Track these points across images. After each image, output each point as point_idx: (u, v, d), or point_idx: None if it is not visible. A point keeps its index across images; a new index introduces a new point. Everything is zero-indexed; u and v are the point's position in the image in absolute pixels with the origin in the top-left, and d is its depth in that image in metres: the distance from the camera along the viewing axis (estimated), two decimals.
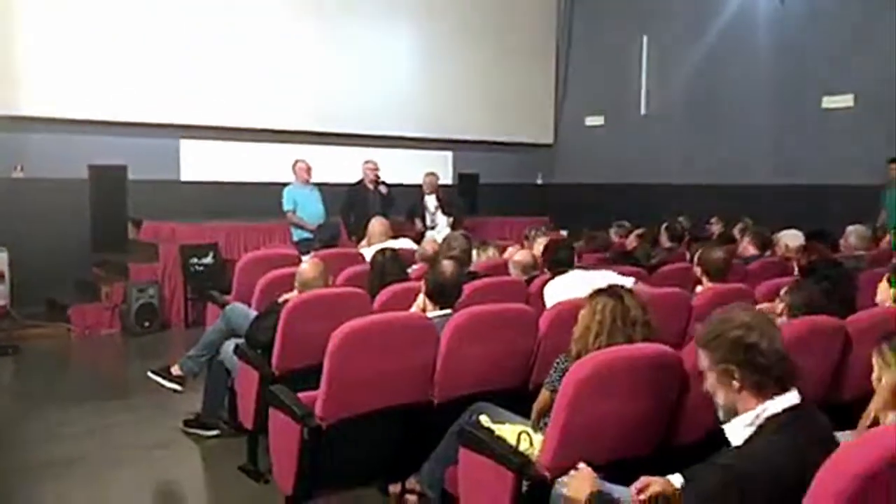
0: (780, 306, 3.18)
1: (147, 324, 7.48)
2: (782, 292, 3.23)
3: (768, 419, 1.89)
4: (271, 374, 3.69)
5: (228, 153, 9.53)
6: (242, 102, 9.31)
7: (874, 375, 2.13)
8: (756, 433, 1.89)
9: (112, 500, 3.85)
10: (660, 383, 2.51)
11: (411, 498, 3.18)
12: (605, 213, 9.22)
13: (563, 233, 7.98)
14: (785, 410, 1.89)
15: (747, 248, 5.73)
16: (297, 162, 8.53)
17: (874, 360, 2.14)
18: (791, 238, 6.03)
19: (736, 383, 1.93)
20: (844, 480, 1.55)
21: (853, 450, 1.64)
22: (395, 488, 3.21)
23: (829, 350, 2.94)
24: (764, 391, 1.91)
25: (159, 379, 4.68)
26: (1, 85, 7.81)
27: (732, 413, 1.97)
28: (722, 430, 1.99)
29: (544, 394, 2.74)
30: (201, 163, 9.33)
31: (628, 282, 3.85)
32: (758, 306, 3.48)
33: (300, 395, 3.22)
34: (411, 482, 3.16)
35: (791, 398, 1.91)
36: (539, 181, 12.81)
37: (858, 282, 4.30)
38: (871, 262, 5.65)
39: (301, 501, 3.22)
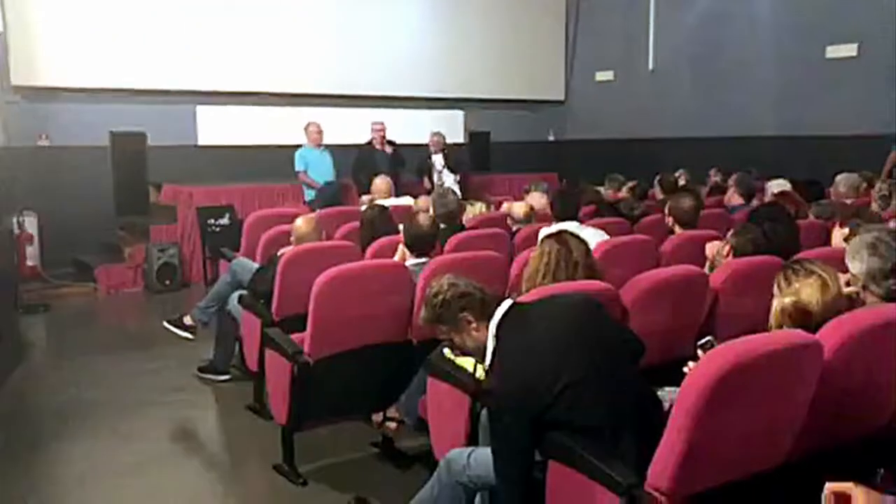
0: (725, 248, 3.45)
1: (168, 282, 7.90)
2: (729, 235, 3.49)
3: (498, 328, 2.38)
4: (271, 320, 4.04)
5: (243, 118, 9.84)
6: (255, 67, 9.60)
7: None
8: (496, 346, 2.39)
9: (134, 435, 4.25)
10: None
11: (391, 425, 3.53)
12: (614, 168, 9.35)
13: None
14: (504, 314, 2.41)
15: (733, 197, 5.93)
16: (308, 124, 8.85)
17: (774, 286, 2.43)
18: (777, 187, 6.24)
19: (473, 323, 2.45)
20: (706, 377, 1.87)
21: (728, 349, 1.96)
22: (377, 417, 3.56)
23: (767, 288, 3.20)
24: (482, 319, 2.45)
25: (173, 328, 5.09)
26: (24, 57, 8.21)
27: (483, 350, 2.45)
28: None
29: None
30: (217, 127, 9.66)
31: (600, 236, 4.15)
32: (707, 245, 3.76)
33: (294, 336, 3.58)
34: (391, 411, 3.50)
35: (505, 304, 2.42)
36: (551, 138, 12.97)
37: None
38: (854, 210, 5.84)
39: (294, 430, 3.61)
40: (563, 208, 4.77)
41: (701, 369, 1.93)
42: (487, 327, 2.43)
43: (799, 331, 2.18)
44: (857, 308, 2.51)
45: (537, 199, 5.86)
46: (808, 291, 2.36)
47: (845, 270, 2.73)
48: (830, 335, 2.19)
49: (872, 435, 2.37)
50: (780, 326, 2.35)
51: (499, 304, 2.46)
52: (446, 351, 3.09)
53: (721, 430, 1.96)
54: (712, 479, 2.03)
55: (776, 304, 2.38)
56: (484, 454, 2.49)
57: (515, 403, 2.25)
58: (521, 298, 2.69)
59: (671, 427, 1.95)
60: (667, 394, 2.41)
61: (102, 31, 8.62)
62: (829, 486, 1.73)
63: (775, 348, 2.02)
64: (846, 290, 2.66)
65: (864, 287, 2.67)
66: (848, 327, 2.22)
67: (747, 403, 1.99)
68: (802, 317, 2.34)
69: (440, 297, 2.51)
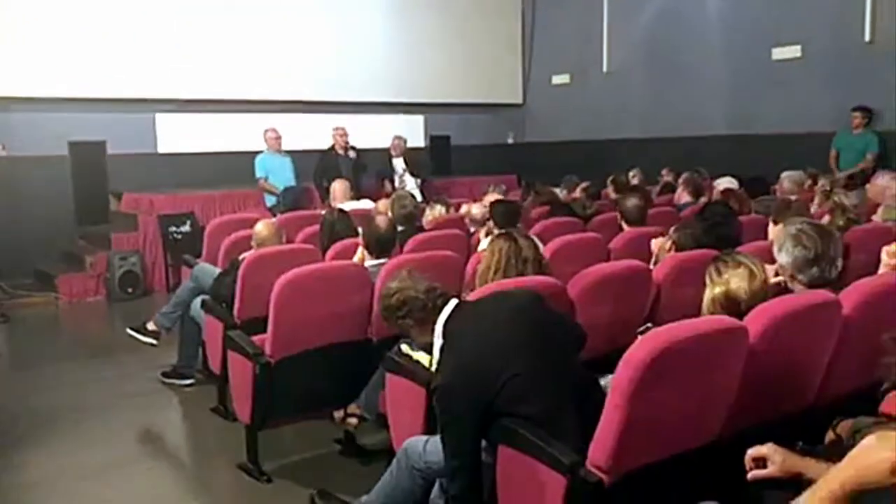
0: (668, 242, 3.63)
1: (130, 290, 7.91)
2: (671, 230, 3.67)
3: (445, 326, 2.58)
4: (233, 322, 4.13)
5: (202, 125, 9.87)
6: (214, 75, 9.63)
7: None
8: (443, 343, 2.57)
9: (99, 439, 4.31)
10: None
11: (352, 421, 3.64)
12: (572, 169, 9.54)
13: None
14: (450, 314, 2.61)
15: (682, 195, 6.15)
16: (267, 131, 8.91)
17: (706, 277, 2.60)
18: (724, 185, 6.47)
19: (416, 328, 2.70)
20: (637, 359, 2.03)
21: (659, 332, 2.12)
22: (339, 414, 3.67)
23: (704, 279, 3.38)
24: (427, 322, 2.65)
25: (136, 334, 5.15)
26: None
27: (431, 348, 2.65)
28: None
29: None
30: (177, 135, 9.69)
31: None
32: (652, 241, 3.94)
33: (255, 338, 3.68)
34: (352, 407, 3.62)
35: (451, 304, 2.64)
36: (510, 140, 13.17)
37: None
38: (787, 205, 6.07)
39: (258, 429, 3.71)
40: (503, 220, 4.86)
41: (634, 351, 2.08)
42: (432, 330, 2.62)
43: (725, 316, 2.35)
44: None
45: (477, 207, 5.83)
46: (736, 281, 2.53)
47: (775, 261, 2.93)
48: (756, 320, 2.36)
49: (798, 414, 2.55)
50: (711, 314, 2.51)
51: (444, 305, 2.62)
52: (404, 346, 3.22)
53: (654, 407, 2.11)
54: (648, 455, 2.19)
55: (707, 293, 2.55)
56: (439, 442, 2.64)
57: (464, 395, 2.39)
58: (468, 296, 2.83)
59: (608, 406, 2.10)
60: (610, 381, 2.57)
61: (59, 39, 8.59)
62: (750, 452, 1.90)
63: (703, 332, 2.18)
64: (774, 279, 2.84)
65: (792, 276, 2.86)
66: (772, 313, 2.39)
67: (678, 383, 2.14)
68: (732, 305, 2.51)
69: (385, 301, 2.74)
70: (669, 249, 3.58)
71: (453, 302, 2.61)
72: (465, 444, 2.43)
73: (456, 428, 2.43)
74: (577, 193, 6.79)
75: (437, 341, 2.58)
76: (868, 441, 1.45)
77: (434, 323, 2.60)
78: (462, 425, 2.41)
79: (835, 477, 1.45)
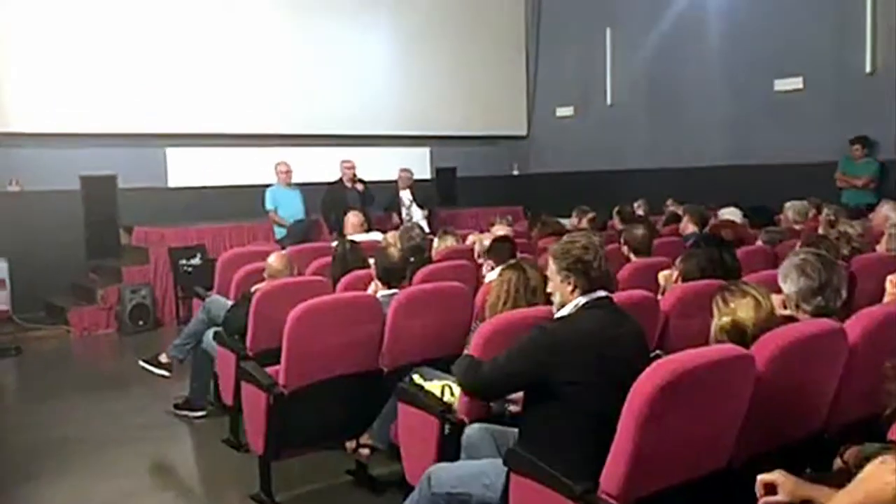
0: (675, 273, 3.68)
1: (141, 323, 7.98)
2: (677, 261, 3.73)
3: (581, 306, 2.59)
4: (245, 354, 4.18)
5: (213, 159, 10.00)
6: (224, 110, 9.77)
7: None
8: (570, 314, 2.60)
9: (112, 471, 4.34)
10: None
11: (364, 451, 3.68)
12: (577, 200, 9.58)
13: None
14: (593, 299, 2.59)
15: (687, 226, 6.21)
16: (278, 164, 9.06)
17: (713, 307, 2.66)
18: (729, 215, 6.53)
19: (570, 286, 2.62)
20: (649, 388, 2.08)
21: (669, 361, 2.18)
22: (351, 444, 3.71)
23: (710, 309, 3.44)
24: (585, 291, 2.61)
25: (149, 366, 5.20)
26: None
27: (562, 306, 2.66)
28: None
29: (465, 355, 3.24)
30: (187, 169, 9.81)
31: None
32: (660, 274, 4.00)
33: (269, 369, 3.73)
34: (364, 438, 3.66)
35: (597, 294, 2.61)
36: (515, 172, 13.28)
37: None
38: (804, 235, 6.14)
39: (271, 460, 3.74)
40: (500, 255, 4.85)
41: (645, 379, 2.13)
42: (571, 295, 2.62)
43: (733, 345, 2.40)
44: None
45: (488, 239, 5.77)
46: (742, 311, 2.59)
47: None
48: (762, 349, 2.41)
49: (806, 441, 2.59)
50: (719, 343, 2.56)
51: (597, 290, 2.63)
52: (416, 377, 3.28)
53: (665, 434, 2.15)
54: (659, 482, 2.22)
55: (715, 322, 2.60)
56: (464, 468, 2.71)
57: (539, 354, 2.48)
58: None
59: (620, 433, 2.14)
60: None
61: (71, 76, 8.76)
62: (760, 478, 1.95)
63: (711, 360, 2.24)
64: (782, 311, 2.89)
65: (797, 306, 2.91)
66: (778, 341, 2.44)
67: (687, 410, 2.19)
68: (738, 334, 2.56)
69: (567, 245, 2.68)
70: (676, 280, 3.63)
71: (601, 293, 2.62)
72: (500, 381, 2.63)
73: (509, 366, 2.56)
74: (584, 224, 6.85)
75: (563, 310, 2.63)
76: (875, 465, 1.50)
77: (577, 294, 2.61)
78: (514, 369, 2.55)
79: (842, 501, 1.49)
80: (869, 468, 1.50)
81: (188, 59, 9.55)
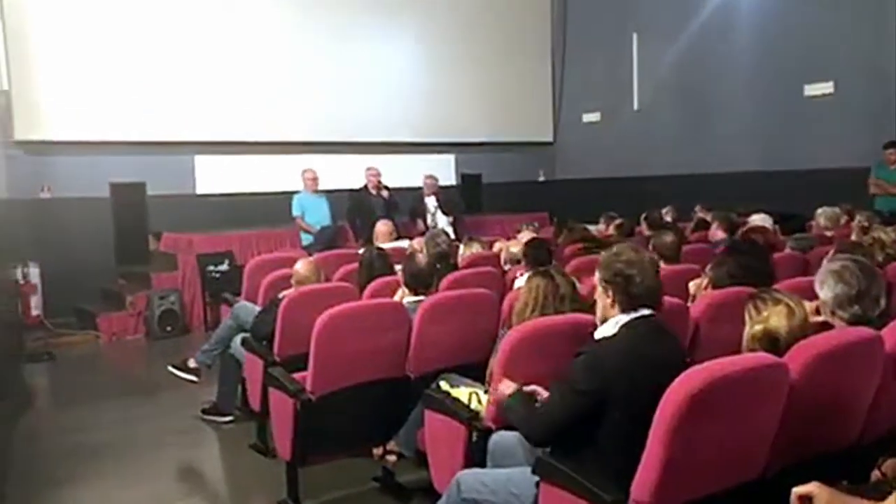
0: (704, 280, 3.64)
1: (169, 328, 8.05)
2: (707, 268, 3.69)
3: (622, 325, 2.51)
4: (273, 360, 4.20)
5: (240, 166, 10.08)
6: (251, 117, 9.86)
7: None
8: (614, 334, 2.52)
9: (141, 476, 4.38)
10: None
11: (392, 458, 3.68)
12: (603, 206, 9.55)
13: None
14: (634, 318, 2.51)
15: (716, 232, 6.14)
16: (305, 171, 9.14)
17: (745, 315, 2.61)
18: (759, 222, 6.45)
19: (609, 299, 2.55)
20: (681, 395, 2.05)
21: (701, 369, 2.15)
22: (378, 451, 3.70)
23: (741, 316, 3.38)
24: (625, 309, 2.52)
25: (177, 371, 5.25)
26: (26, 112, 8.46)
27: (603, 320, 2.60)
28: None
29: (492, 362, 3.22)
30: (215, 176, 9.89)
31: None
32: (690, 283, 3.95)
33: (296, 375, 3.74)
34: (391, 444, 3.65)
35: (641, 312, 2.52)
36: (541, 178, 13.24)
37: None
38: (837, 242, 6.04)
39: (298, 466, 3.75)
40: (538, 258, 4.80)
41: (677, 387, 2.10)
42: (613, 311, 2.54)
43: (765, 354, 2.36)
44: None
45: (515, 245, 5.80)
46: (775, 319, 2.54)
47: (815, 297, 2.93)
48: (796, 357, 2.37)
49: (842, 452, 2.54)
50: (751, 351, 2.52)
51: (638, 308, 2.54)
52: (443, 384, 3.27)
53: (697, 443, 2.12)
54: (690, 492, 2.18)
55: (747, 330, 2.56)
56: (492, 475, 2.70)
57: (597, 377, 2.38)
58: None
59: (651, 442, 2.11)
60: None
61: (102, 85, 8.90)
62: (795, 490, 1.90)
63: (743, 368, 2.20)
64: (816, 318, 2.84)
65: (833, 312, 2.86)
66: (813, 350, 2.39)
67: (719, 419, 2.15)
68: (771, 342, 2.52)
69: (612, 258, 2.59)
70: (705, 287, 3.59)
71: (645, 311, 2.53)
72: (562, 422, 2.45)
73: (565, 407, 2.44)
74: (611, 230, 6.81)
75: (608, 328, 2.55)
76: None
77: (617, 311, 2.54)
78: (571, 408, 2.43)
79: None
80: None
81: (216, 68, 9.66)
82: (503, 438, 2.83)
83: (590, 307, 3.22)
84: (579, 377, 2.40)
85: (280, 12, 10.23)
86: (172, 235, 9.02)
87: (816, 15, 9.59)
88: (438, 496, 2.88)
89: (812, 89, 9.65)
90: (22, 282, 7.83)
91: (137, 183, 8.93)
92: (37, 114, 8.54)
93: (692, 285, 3.88)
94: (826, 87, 9.51)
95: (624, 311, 2.53)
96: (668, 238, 4.68)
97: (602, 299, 2.59)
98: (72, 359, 7.40)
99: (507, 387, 2.73)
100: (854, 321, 2.75)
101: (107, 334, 8.02)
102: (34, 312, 8.00)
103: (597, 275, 2.63)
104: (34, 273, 8.07)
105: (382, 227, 7.12)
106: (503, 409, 2.74)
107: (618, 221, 6.99)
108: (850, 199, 8.13)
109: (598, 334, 2.59)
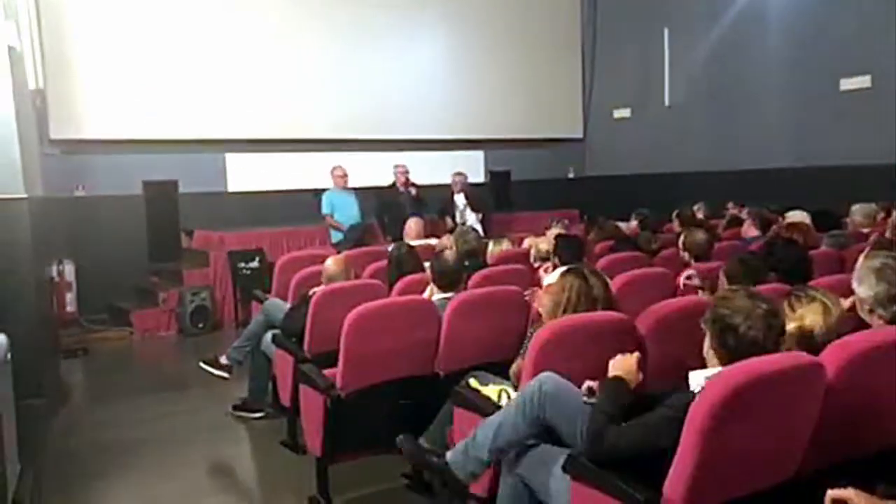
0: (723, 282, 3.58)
1: (201, 325, 8.14)
2: (721, 270, 3.64)
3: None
4: (303, 357, 4.22)
5: (271, 164, 10.15)
6: (281, 115, 9.92)
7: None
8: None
9: (173, 471, 4.44)
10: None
11: None
12: (634, 203, 9.45)
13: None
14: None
15: (749, 229, 6.06)
16: (334, 168, 9.17)
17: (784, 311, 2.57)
18: (797, 218, 6.35)
19: (707, 344, 2.38)
20: (715, 395, 2.03)
21: (735, 368, 2.12)
22: None
23: None
24: (723, 361, 2.32)
25: (209, 368, 5.29)
26: (61, 112, 8.59)
27: (703, 364, 2.41)
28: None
29: (519, 361, 3.20)
30: (245, 174, 9.99)
31: None
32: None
33: (327, 371, 3.75)
34: (421, 441, 3.64)
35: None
36: (570, 175, 13.16)
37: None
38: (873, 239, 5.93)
39: (328, 462, 3.76)
40: (569, 253, 4.76)
41: (711, 386, 2.07)
42: (717, 362, 2.35)
43: (801, 353, 2.32)
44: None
45: (544, 242, 5.75)
46: (811, 317, 2.50)
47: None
48: (833, 356, 2.32)
49: (880, 453, 2.48)
50: (787, 350, 2.48)
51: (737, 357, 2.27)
52: (472, 381, 3.26)
53: (730, 444, 2.09)
54: (723, 493, 2.16)
55: (789, 325, 2.51)
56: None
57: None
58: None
59: (684, 443, 2.08)
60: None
61: (135, 84, 9.01)
62: (830, 494, 1.86)
63: (779, 369, 2.16)
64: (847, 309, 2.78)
65: (871, 311, 2.80)
66: (850, 349, 2.35)
67: (754, 419, 2.12)
68: (807, 340, 2.48)
69: (720, 311, 2.36)
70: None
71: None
72: (640, 445, 2.29)
73: (650, 439, 2.27)
74: (634, 226, 6.75)
75: (698, 378, 2.32)
76: None
77: (715, 361, 2.36)
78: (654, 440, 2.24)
79: None
80: None
81: (247, 66, 9.73)
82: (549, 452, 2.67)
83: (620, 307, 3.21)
84: (663, 432, 2.21)
85: (309, 9, 10.27)
86: (204, 233, 9.11)
87: (852, 5, 9.40)
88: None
89: (848, 83, 9.46)
90: (57, 279, 7.94)
91: (170, 181, 9.03)
92: (71, 112, 8.67)
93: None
94: (863, 81, 9.32)
95: (722, 363, 2.31)
96: (699, 235, 4.63)
97: (706, 339, 2.39)
98: (105, 355, 7.51)
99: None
100: (894, 320, 2.69)
101: (140, 331, 8.12)
102: (69, 309, 8.12)
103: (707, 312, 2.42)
104: (69, 270, 8.19)
105: (413, 224, 7.11)
106: (600, 389, 2.51)
107: (641, 216, 6.93)
108: (887, 195, 7.98)
109: (693, 380, 2.34)
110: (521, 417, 2.66)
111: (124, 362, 7.44)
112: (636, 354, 2.59)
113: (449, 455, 2.91)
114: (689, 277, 3.81)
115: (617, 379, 2.51)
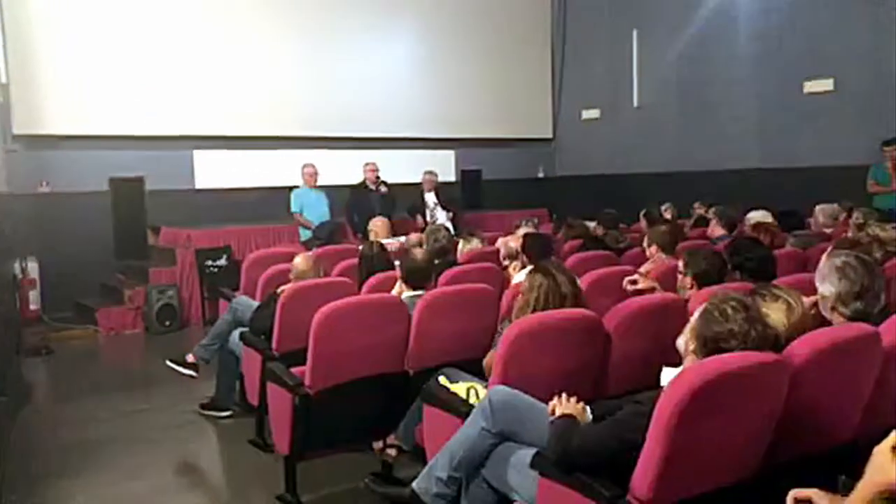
0: (687, 281, 3.62)
1: (167, 323, 8.05)
2: (680, 265, 3.68)
3: None
4: (271, 355, 4.19)
5: (239, 161, 10.05)
6: (250, 112, 9.82)
7: None
8: None
9: (140, 470, 4.37)
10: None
11: (391, 451, 3.67)
12: (603, 203, 9.53)
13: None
14: None
15: (715, 229, 6.13)
16: (304, 166, 9.12)
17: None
18: (758, 218, 6.44)
19: (687, 348, 2.40)
20: (680, 392, 2.05)
21: (700, 365, 2.16)
22: (377, 445, 3.70)
23: None
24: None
25: (176, 366, 5.24)
26: (25, 107, 8.43)
27: (668, 360, 2.46)
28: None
29: (491, 354, 3.22)
30: (213, 171, 9.87)
31: None
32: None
33: (295, 370, 3.74)
34: (391, 438, 3.65)
35: None
36: (540, 175, 13.21)
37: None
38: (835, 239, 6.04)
39: (296, 460, 3.74)
40: (538, 252, 4.78)
41: (676, 383, 2.10)
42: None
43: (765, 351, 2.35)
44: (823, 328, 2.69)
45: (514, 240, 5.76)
46: (775, 315, 2.54)
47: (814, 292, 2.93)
48: (795, 353, 2.37)
49: (839, 448, 2.53)
50: None
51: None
52: (441, 379, 3.27)
53: (695, 441, 2.12)
54: (688, 488, 2.19)
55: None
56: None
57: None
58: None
59: (650, 439, 2.11)
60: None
61: (101, 79, 8.87)
62: (793, 493, 1.89)
63: (742, 365, 2.19)
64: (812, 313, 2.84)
65: (833, 308, 2.85)
66: (812, 346, 2.39)
67: (719, 415, 2.15)
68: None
69: (710, 317, 2.34)
70: (690, 287, 3.58)
71: None
72: (603, 451, 2.31)
73: (615, 444, 2.29)
74: (595, 227, 6.79)
75: (669, 378, 2.27)
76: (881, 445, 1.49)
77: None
78: (619, 446, 2.27)
79: (858, 490, 1.49)
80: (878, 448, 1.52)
81: (214, 62, 9.63)
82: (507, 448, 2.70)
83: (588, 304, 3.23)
84: (631, 426, 2.24)
85: (279, 7, 10.19)
86: (171, 230, 9.01)
87: (816, 11, 9.57)
88: None
89: (812, 86, 9.63)
90: (20, 276, 7.80)
91: (136, 177, 8.92)
92: (35, 108, 8.51)
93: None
94: (826, 84, 9.50)
95: None
96: (662, 227, 4.68)
97: (686, 340, 2.39)
98: (70, 353, 7.39)
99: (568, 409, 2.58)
100: (856, 317, 2.75)
101: (105, 329, 8.02)
102: (33, 307, 7.99)
103: (692, 321, 2.41)
104: (33, 268, 8.05)
105: (380, 224, 7.09)
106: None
107: (605, 217, 6.99)
108: (850, 196, 8.13)
109: (665, 377, 2.37)
110: (476, 431, 2.70)
111: (89, 361, 7.33)
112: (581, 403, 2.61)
113: (415, 483, 2.93)
114: (632, 282, 3.81)
115: (568, 416, 2.53)
